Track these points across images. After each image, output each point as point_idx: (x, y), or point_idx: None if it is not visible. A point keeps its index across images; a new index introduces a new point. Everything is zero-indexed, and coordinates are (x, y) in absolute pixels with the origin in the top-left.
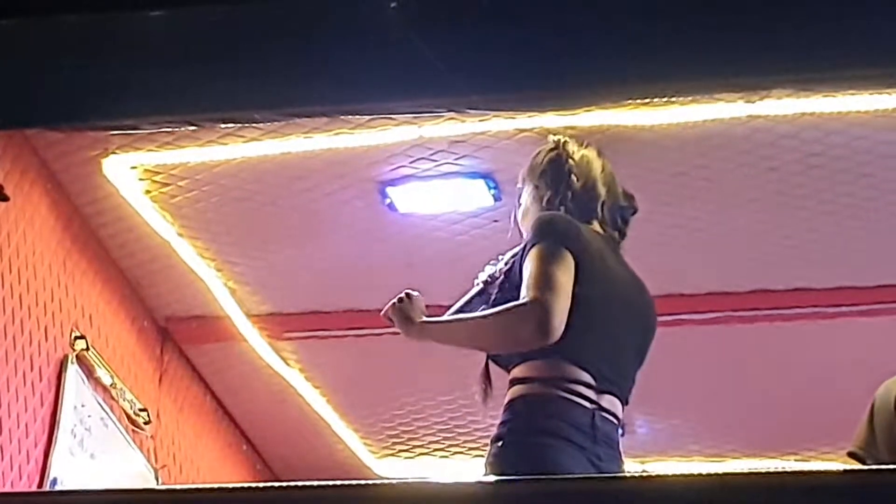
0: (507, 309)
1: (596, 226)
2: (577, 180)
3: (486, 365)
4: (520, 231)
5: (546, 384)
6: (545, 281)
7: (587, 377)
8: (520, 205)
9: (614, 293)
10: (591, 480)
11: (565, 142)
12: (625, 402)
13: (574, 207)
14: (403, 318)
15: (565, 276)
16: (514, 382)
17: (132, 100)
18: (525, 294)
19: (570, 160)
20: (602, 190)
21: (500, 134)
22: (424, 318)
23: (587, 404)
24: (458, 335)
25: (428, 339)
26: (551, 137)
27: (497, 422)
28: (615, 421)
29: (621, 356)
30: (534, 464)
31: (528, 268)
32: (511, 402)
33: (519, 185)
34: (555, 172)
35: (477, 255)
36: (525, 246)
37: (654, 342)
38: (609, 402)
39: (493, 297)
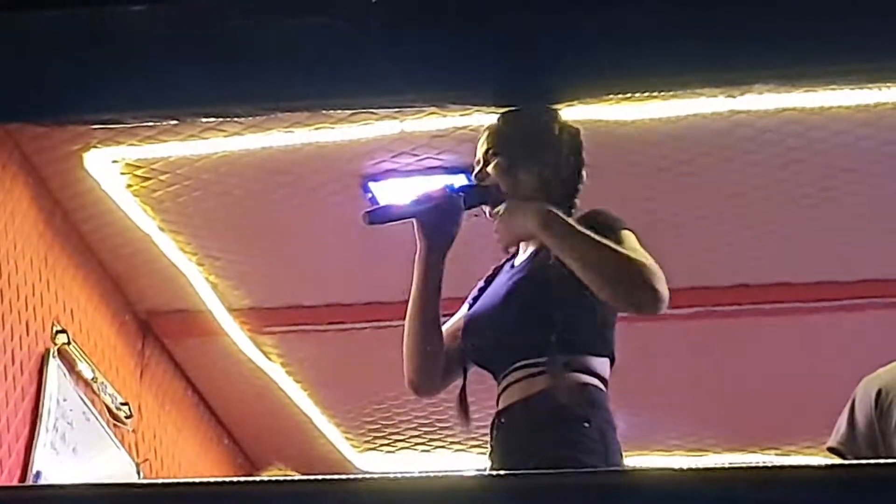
0: (636, 259)
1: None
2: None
3: (463, 388)
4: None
5: (605, 385)
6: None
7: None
8: (509, 182)
9: None
10: (571, 475)
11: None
12: None
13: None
14: (513, 206)
15: None
16: (581, 371)
17: (113, 94)
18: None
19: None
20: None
21: (481, 129)
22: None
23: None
24: (578, 243)
25: (545, 230)
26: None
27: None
28: None
29: None
30: (612, 451)
31: (635, 245)
32: (584, 385)
33: (501, 158)
34: (573, 147)
35: (456, 250)
36: (603, 223)
37: (635, 338)
38: None
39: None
